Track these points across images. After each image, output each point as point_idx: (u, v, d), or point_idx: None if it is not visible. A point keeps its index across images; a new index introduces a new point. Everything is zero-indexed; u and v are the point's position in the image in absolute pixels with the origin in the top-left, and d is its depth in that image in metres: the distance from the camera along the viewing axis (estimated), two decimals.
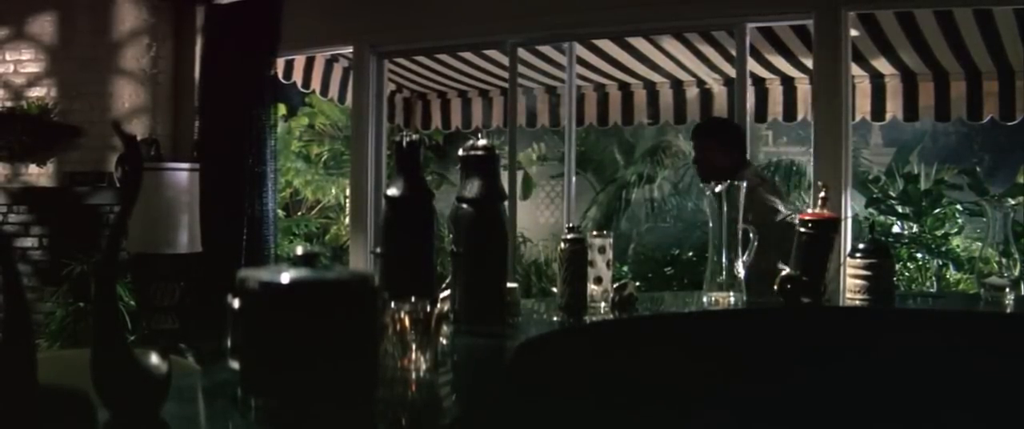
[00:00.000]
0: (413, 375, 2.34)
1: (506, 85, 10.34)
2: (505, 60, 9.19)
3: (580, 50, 8.10)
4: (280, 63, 8.80)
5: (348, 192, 9.76)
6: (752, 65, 8.82)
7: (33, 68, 9.04)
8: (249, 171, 8.38)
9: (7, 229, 8.56)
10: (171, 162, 8.24)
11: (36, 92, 8.93)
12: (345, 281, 1.88)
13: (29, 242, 8.58)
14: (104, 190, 8.50)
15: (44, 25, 9.06)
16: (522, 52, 8.77)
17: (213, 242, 7.95)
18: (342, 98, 10.01)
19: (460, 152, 3.11)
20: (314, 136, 13.68)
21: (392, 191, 2.91)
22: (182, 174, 7.77)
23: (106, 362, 1.66)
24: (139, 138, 8.58)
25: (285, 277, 1.79)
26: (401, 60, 9.20)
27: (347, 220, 10.22)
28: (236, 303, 1.84)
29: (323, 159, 13.50)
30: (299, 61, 9.41)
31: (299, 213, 13.22)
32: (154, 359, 1.72)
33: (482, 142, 3.09)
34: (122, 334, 1.70)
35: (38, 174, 8.80)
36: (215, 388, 2.13)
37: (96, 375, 1.65)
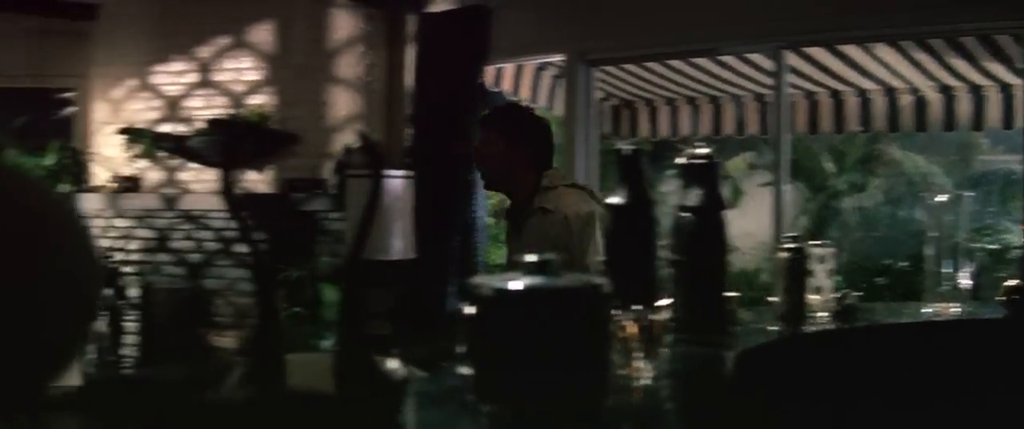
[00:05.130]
0: (637, 384, 2.33)
1: (715, 93, 10.29)
2: (714, 67, 9.13)
3: (790, 57, 7.98)
4: (490, 71, 8.88)
5: None
6: (969, 71, 8.59)
7: (253, 76, 9.31)
8: (461, 178, 8.47)
9: (227, 234, 8.85)
10: (385, 169, 8.40)
11: (256, 100, 9.19)
12: (579, 288, 1.88)
13: (248, 247, 8.82)
14: (320, 197, 8.70)
15: (263, 34, 9.33)
16: (731, 59, 8.70)
17: (426, 248, 8.07)
18: (550, 106, 10.04)
19: (680, 160, 3.10)
20: None
21: (615, 199, 2.91)
22: (396, 181, 7.91)
23: (349, 366, 1.70)
24: (355, 146, 8.79)
25: (519, 284, 1.81)
26: (609, 67, 9.20)
27: None
28: (469, 309, 1.87)
29: None
30: (508, 69, 9.48)
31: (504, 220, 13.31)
32: (392, 364, 1.76)
33: (703, 150, 3.08)
34: (365, 339, 1.73)
35: (257, 181, 9.05)
36: (444, 394, 2.16)
37: (339, 379, 1.69)
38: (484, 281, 1.84)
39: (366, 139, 1.88)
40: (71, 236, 1.35)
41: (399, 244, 7.80)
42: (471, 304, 1.86)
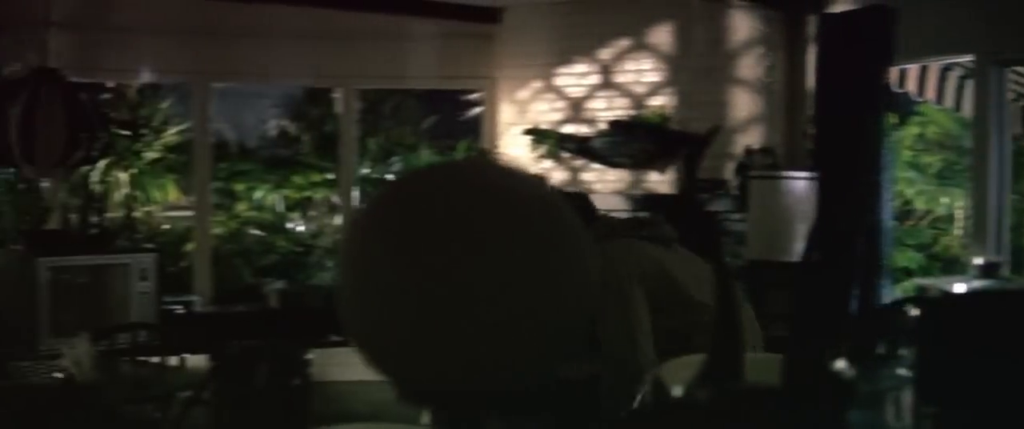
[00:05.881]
0: None
1: None
2: None
3: None
4: (894, 72, 8.70)
5: (962, 203, 9.48)
6: None
7: (653, 78, 9.44)
8: (864, 180, 8.33)
9: None
10: (787, 171, 8.37)
11: (656, 101, 9.32)
12: None
13: (711, 244, 8.99)
14: (722, 197, 8.74)
15: (663, 36, 9.45)
16: None
17: (829, 251, 7.98)
18: (957, 107, 9.75)
19: None
20: (925, 146, 13.41)
21: None
22: (799, 183, 7.87)
23: (799, 366, 1.74)
24: (756, 148, 8.79)
25: (965, 287, 1.81)
26: (1019, 67, 8.84)
27: (961, 231, 9.95)
28: (914, 311, 1.87)
29: (935, 169, 13.20)
30: (912, 70, 9.26)
31: (909, 223, 13.01)
32: (841, 364, 1.79)
33: None
34: (816, 339, 1.77)
35: (659, 181, 9.18)
36: (877, 394, 2.17)
37: (790, 378, 1.73)
38: (932, 284, 1.84)
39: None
40: (577, 239, 1.45)
41: (802, 246, 7.74)
42: (917, 307, 1.87)
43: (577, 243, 1.43)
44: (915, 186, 12.96)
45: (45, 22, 7.48)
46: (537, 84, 10.09)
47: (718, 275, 1.70)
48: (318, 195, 13.70)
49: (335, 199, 12.56)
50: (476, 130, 11.25)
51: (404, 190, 1.48)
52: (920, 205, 13.00)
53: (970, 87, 8.68)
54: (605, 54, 9.73)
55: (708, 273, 4.60)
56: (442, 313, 1.30)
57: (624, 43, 9.66)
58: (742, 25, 9.24)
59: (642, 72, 9.55)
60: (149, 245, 10.64)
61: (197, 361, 7.41)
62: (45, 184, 8.91)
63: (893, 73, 8.74)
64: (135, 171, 11.76)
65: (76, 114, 6.98)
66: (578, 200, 5.44)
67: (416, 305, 1.32)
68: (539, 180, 1.51)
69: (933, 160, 13.34)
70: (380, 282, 1.36)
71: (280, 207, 13.76)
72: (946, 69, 9.42)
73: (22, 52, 8.39)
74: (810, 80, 9.13)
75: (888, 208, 8.55)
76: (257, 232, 13.56)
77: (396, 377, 1.44)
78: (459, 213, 1.33)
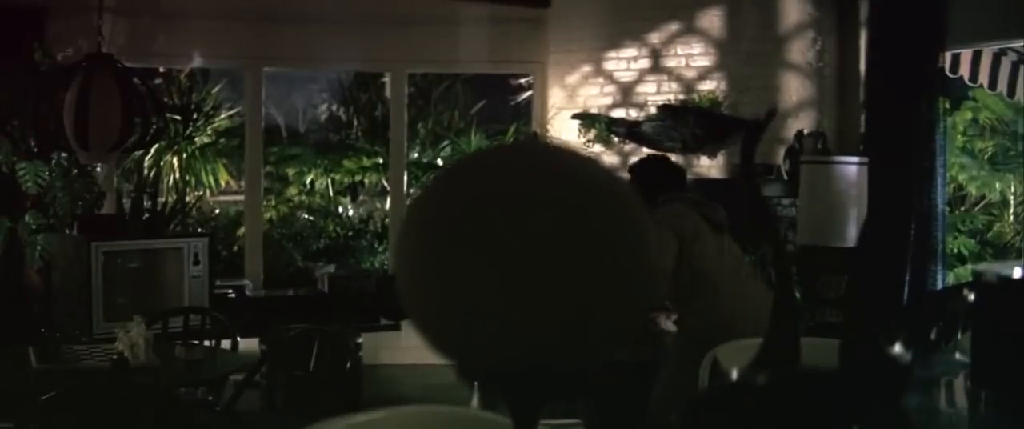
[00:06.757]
0: None
1: None
2: None
3: None
4: (946, 57, 8.63)
5: (1015, 188, 9.42)
6: None
7: (703, 62, 9.42)
8: (916, 166, 8.27)
9: None
10: (838, 156, 8.32)
11: (706, 86, 9.29)
12: None
13: (769, 229, 8.96)
14: (773, 182, 8.70)
15: (713, 20, 9.42)
16: None
17: (880, 236, 7.93)
18: (1011, 93, 9.66)
19: None
20: (978, 131, 13.31)
21: None
22: (851, 168, 7.82)
23: (855, 349, 1.73)
24: (806, 132, 8.74)
25: (1022, 272, 1.79)
26: None
27: (1014, 217, 9.86)
28: (971, 296, 1.86)
29: (988, 155, 13.10)
30: (965, 55, 9.17)
31: (961, 209, 12.93)
32: (897, 349, 1.78)
33: None
34: (871, 323, 1.77)
35: (709, 166, 9.16)
36: (932, 379, 2.17)
37: (844, 361, 1.73)
38: (987, 268, 1.84)
39: None
40: (639, 223, 1.45)
41: (854, 232, 7.70)
42: (973, 291, 1.86)
43: (639, 228, 1.43)
44: (968, 172, 12.85)
45: (98, 7, 7.51)
46: (586, 68, 10.07)
47: (776, 260, 1.70)
48: (368, 179, 13.76)
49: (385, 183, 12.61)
50: (525, 115, 11.26)
51: (464, 172, 1.48)
52: (973, 191, 12.91)
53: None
54: (655, 38, 9.70)
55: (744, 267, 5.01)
56: (501, 295, 1.31)
57: (674, 27, 9.64)
58: (793, 8, 9.18)
59: (692, 56, 9.51)
60: (201, 230, 10.73)
61: (249, 345, 7.47)
62: (99, 169, 8.97)
63: (946, 58, 8.67)
64: (186, 156, 11.84)
65: (130, 99, 7.00)
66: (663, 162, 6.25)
67: (475, 288, 1.33)
68: (599, 163, 1.51)
69: (986, 146, 13.23)
70: (440, 264, 1.37)
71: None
72: (1000, 54, 9.33)
73: (75, 38, 8.47)
74: (861, 64, 9.07)
75: (941, 194, 8.48)
76: (308, 216, 13.64)
77: (455, 358, 1.45)
78: (520, 195, 1.33)
